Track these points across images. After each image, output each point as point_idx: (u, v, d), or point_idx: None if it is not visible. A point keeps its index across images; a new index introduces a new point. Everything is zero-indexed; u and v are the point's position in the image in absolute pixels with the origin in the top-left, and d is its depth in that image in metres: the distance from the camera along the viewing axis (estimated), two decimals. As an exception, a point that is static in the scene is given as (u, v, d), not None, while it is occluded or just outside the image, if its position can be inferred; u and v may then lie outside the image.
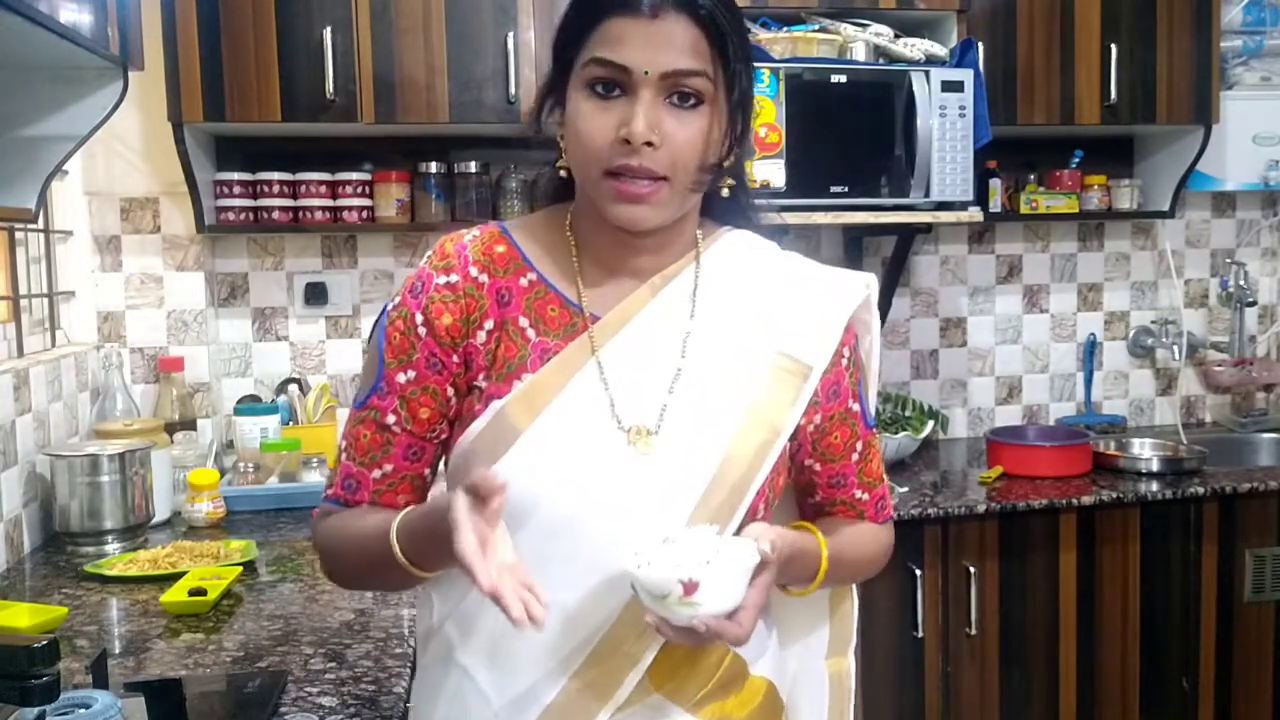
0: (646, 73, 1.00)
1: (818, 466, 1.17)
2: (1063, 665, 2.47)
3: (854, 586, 1.27)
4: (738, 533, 1.04)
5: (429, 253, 1.12)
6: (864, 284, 1.17)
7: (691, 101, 1.02)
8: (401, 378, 1.08)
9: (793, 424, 1.10)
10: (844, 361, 1.14)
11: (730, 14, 1.03)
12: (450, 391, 1.09)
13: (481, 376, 1.08)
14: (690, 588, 0.92)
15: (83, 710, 1.17)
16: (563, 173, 1.10)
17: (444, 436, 1.12)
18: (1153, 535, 2.49)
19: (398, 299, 1.11)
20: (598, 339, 1.08)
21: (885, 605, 2.37)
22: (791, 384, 1.10)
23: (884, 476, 1.22)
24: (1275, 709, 2.58)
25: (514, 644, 1.06)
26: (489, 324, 1.08)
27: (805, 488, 1.20)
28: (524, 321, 1.08)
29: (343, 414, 2.64)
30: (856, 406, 1.16)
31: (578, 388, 1.06)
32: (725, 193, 1.12)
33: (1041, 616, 2.46)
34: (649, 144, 1.00)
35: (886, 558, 1.23)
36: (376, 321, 1.13)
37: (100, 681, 1.28)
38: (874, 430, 1.20)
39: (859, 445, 1.17)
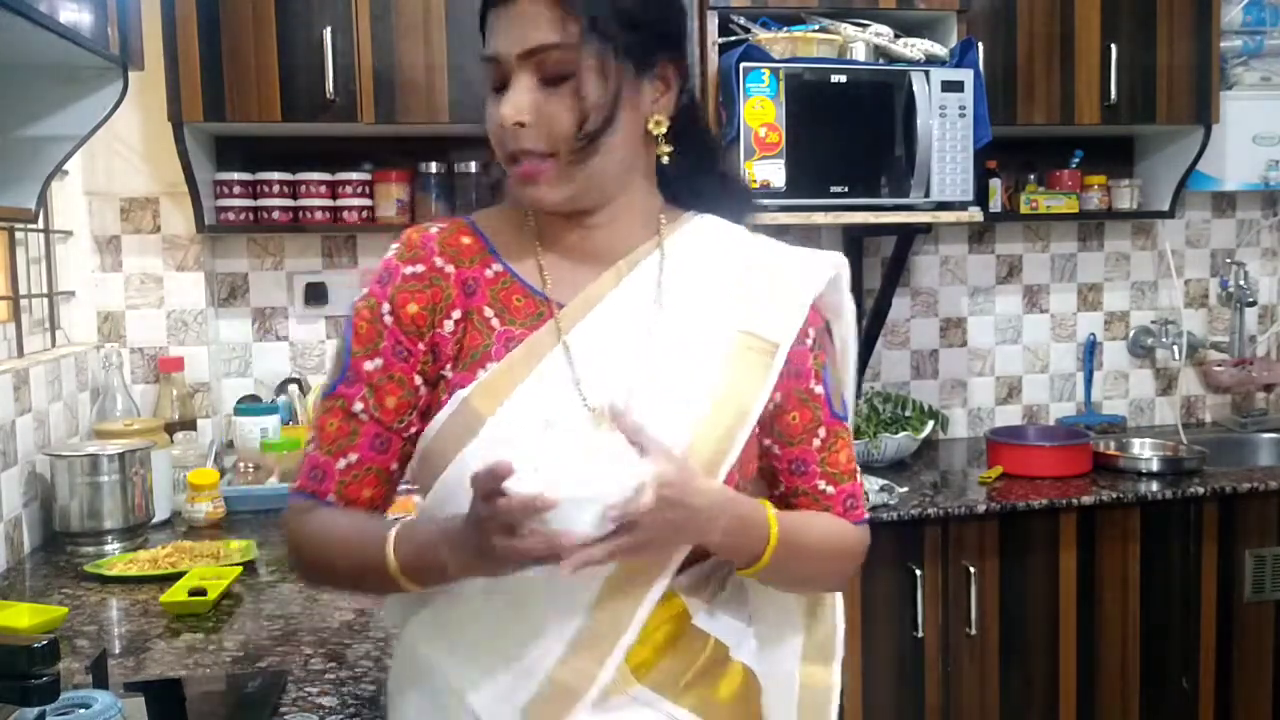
0: (511, 56, 1.03)
1: (777, 449, 1.12)
2: (1063, 665, 2.47)
3: (838, 601, 1.20)
4: None
5: (395, 244, 1.12)
6: (832, 264, 1.14)
7: (559, 78, 1.02)
8: (368, 365, 1.08)
9: (762, 403, 1.08)
10: (809, 341, 1.12)
11: None
12: (418, 380, 1.09)
13: (449, 367, 1.08)
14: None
15: (83, 710, 1.17)
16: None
17: (412, 430, 1.09)
18: (1153, 535, 2.49)
19: (365, 290, 1.11)
20: (564, 324, 1.07)
21: (885, 605, 2.37)
22: (759, 362, 1.08)
23: (856, 474, 1.15)
24: (1275, 709, 2.57)
25: (489, 640, 1.05)
26: (456, 313, 1.08)
27: (769, 477, 1.15)
28: (489, 311, 1.08)
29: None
30: (819, 390, 1.12)
31: (544, 371, 1.05)
32: (665, 160, 1.10)
33: (1041, 616, 2.45)
34: (520, 124, 1.02)
35: (856, 559, 1.16)
36: (346, 316, 1.14)
37: (100, 681, 1.28)
38: (843, 422, 1.15)
39: (821, 431, 1.12)
